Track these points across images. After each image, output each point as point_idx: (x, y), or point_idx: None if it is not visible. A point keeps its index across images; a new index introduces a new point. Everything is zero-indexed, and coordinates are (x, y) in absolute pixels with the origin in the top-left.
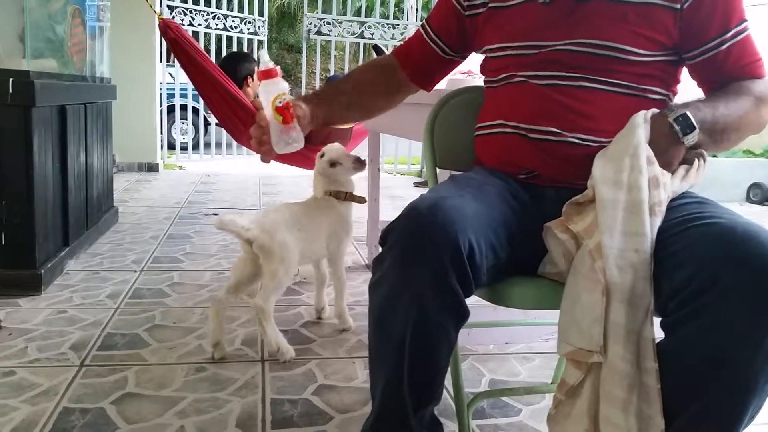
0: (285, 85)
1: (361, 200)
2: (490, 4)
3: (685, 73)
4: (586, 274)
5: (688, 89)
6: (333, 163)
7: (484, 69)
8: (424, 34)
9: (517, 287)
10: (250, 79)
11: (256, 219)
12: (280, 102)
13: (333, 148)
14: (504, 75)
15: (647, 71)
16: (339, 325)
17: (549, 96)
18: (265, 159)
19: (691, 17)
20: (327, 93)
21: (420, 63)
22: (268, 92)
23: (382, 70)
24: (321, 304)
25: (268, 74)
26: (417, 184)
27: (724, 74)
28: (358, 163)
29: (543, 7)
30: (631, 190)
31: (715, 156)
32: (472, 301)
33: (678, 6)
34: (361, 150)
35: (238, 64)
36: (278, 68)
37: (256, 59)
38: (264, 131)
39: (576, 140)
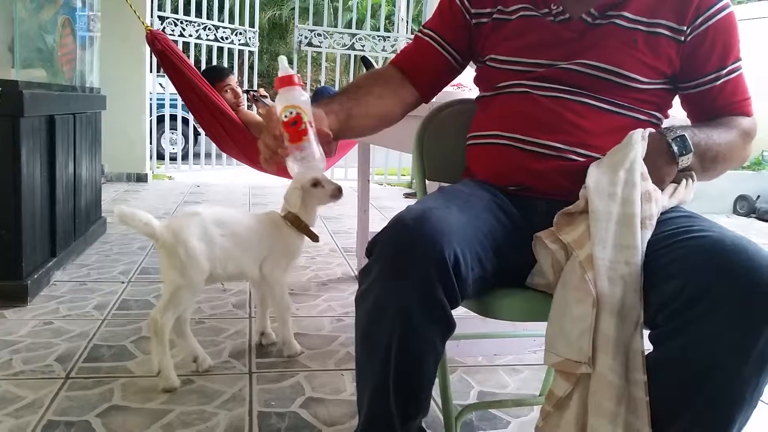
0: (302, 97)
1: (314, 238)
2: (495, 15)
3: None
4: (577, 285)
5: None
6: (316, 183)
7: (480, 79)
8: (434, 44)
9: (505, 299)
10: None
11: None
12: (286, 116)
13: (321, 173)
14: (504, 84)
15: (646, 97)
16: (285, 351)
17: (550, 108)
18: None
19: (693, 50)
20: (346, 101)
21: (431, 74)
22: (279, 103)
23: (389, 83)
24: (261, 327)
25: (284, 82)
26: (407, 196)
27: (716, 108)
28: (338, 192)
29: (554, 24)
30: (624, 203)
31: None
32: (461, 313)
33: (682, 38)
34: (350, 161)
35: (209, 77)
36: (298, 76)
37: (227, 73)
38: (272, 144)
39: (573, 155)
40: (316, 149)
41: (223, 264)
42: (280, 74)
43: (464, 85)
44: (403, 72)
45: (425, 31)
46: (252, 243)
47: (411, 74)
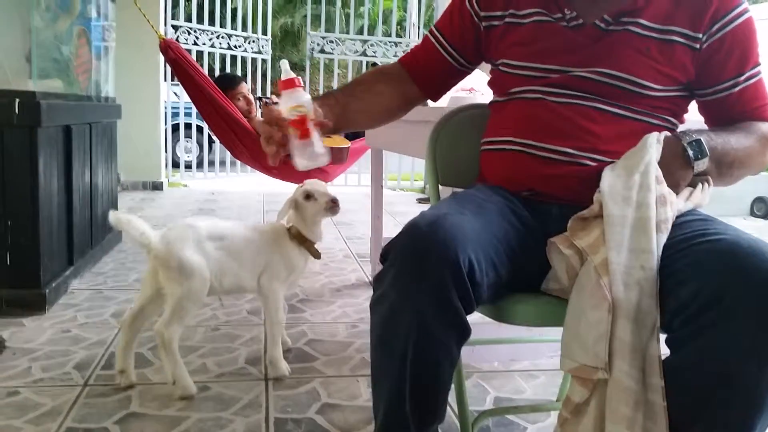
0: (305, 97)
1: (315, 254)
2: (507, 19)
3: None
4: (592, 290)
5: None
6: (308, 195)
7: (494, 84)
8: (438, 46)
9: (519, 304)
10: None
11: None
12: (294, 115)
13: (313, 183)
14: (517, 89)
15: (660, 103)
16: (270, 372)
17: (563, 114)
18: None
19: (709, 58)
20: (342, 96)
21: (433, 76)
22: (285, 104)
23: (393, 81)
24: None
25: (288, 84)
26: (420, 201)
27: (734, 115)
28: (333, 205)
29: (567, 30)
30: (639, 207)
31: None
32: (476, 318)
33: (697, 46)
34: (363, 166)
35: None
36: (299, 79)
37: (238, 81)
38: (276, 144)
39: (587, 161)
40: (319, 144)
41: (219, 278)
42: (282, 77)
43: (476, 90)
44: (407, 71)
45: (433, 31)
46: (249, 256)
47: (414, 74)
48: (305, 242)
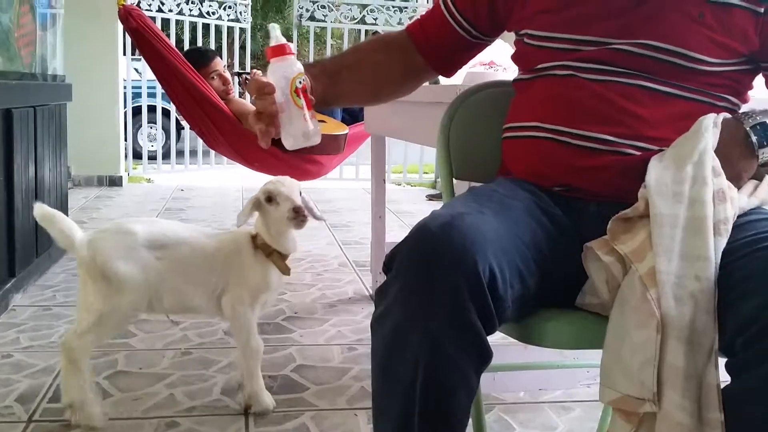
0: (297, 66)
1: (284, 270)
2: None
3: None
4: (636, 305)
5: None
6: (270, 198)
7: (518, 57)
8: (446, 13)
9: (550, 322)
10: None
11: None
12: (300, 83)
13: (280, 182)
14: (544, 65)
15: (718, 80)
16: (253, 407)
17: (601, 94)
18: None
19: None
20: (331, 65)
21: (441, 46)
22: (282, 73)
23: (396, 50)
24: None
25: (279, 51)
26: (430, 198)
27: None
28: (296, 215)
29: None
30: (693, 204)
31: None
32: (498, 339)
33: (761, 10)
34: (361, 157)
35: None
36: (290, 45)
37: (211, 56)
38: (271, 120)
39: (629, 149)
40: (315, 121)
41: (160, 295)
42: (271, 44)
43: (497, 64)
44: (413, 41)
45: None
46: (198, 271)
47: (421, 45)
48: (272, 254)
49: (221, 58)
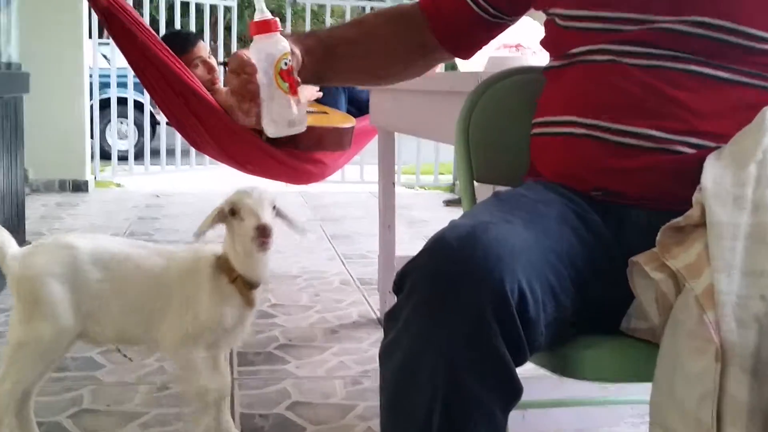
0: (287, 44)
1: (249, 301)
2: None
3: None
4: (692, 330)
5: None
6: (234, 211)
7: (548, 42)
8: None
9: (590, 351)
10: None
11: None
12: (286, 64)
13: (246, 192)
14: (578, 49)
15: None
16: None
17: (646, 82)
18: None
19: None
20: (327, 38)
21: (454, 24)
22: (266, 51)
23: (405, 25)
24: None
25: (264, 27)
26: (448, 203)
27: None
28: (259, 234)
29: None
30: (757, 210)
31: None
32: (529, 370)
33: None
34: (367, 155)
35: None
36: (276, 21)
37: (194, 40)
38: (253, 99)
39: (681, 147)
40: (303, 106)
41: (100, 322)
42: (256, 18)
43: (525, 47)
44: (427, 17)
45: None
46: (138, 295)
47: (432, 21)
48: (236, 280)
49: (205, 43)
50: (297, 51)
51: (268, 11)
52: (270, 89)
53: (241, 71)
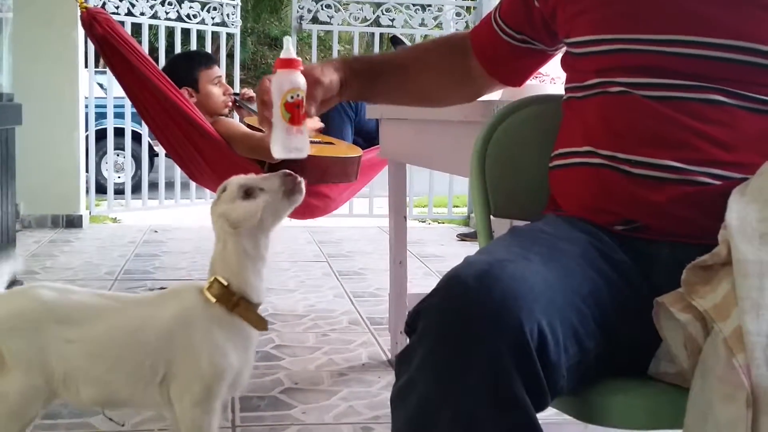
0: (303, 81)
1: (259, 324)
2: None
3: None
4: (721, 375)
5: None
6: (235, 225)
7: (566, 69)
8: (494, 24)
9: (617, 396)
10: (187, 92)
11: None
12: (292, 98)
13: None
14: (595, 81)
15: None
16: None
17: (664, 114)
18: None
19: None
20: (376, 59)
21: (490, 50)
22: (278, 84)
23: (453, 51)
24: None
25: (288, 64)
26: (463, 238)
27: None
28: (289, 178)
29: None
30: None
31: None
32: (550, 416)
33: None
34: (377, 187)
35: (177, 69)
36: (300, 61)
37: (205, 61)
38: (265, 119)
39: (707, 179)
40: (307, 134)
41: (75, 384)
42: (284, 55)
43: (545, 75)
44: (471, 44)
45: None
46: (125, 353)
47: (476, 49)
48: (237, 305)
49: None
50: (334, 77)
51: (293, 50)
52: (276, 118)
53: (260, 99)
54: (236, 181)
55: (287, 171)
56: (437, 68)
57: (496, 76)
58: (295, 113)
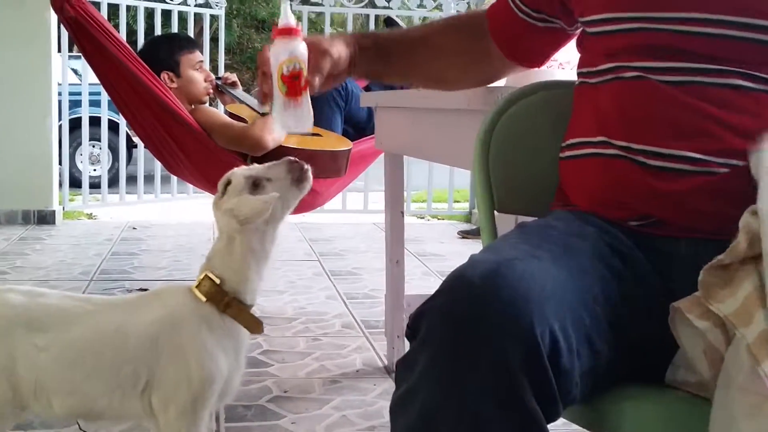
0: (302, 51)
1: (254, 326)
2: None
3: None
4: (744, 385)
5: None
6: (246, 220)
7: (580, 51)
8: (510, 2)
9: (631, 404)
10: (167, 76)
11: None
12: (288, 69)
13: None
14: (608, 66)
15: None
16: None
17: (683, 101)
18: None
19: None
20: (386, 37)
21: (507, 29)
22: (275, 54)
23: (468, 33)
24: None
25: (285, 33)
26: (465, 235)
27: None
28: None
29: None
30: None
31: None
32: (561, 426)
33: None
34: (372, 180)
35: (157, 51)
36: (299, 28)
37: (188, 44)
38: (265, 90)
39: (726, 169)
40: (308, 107)
41: (47, 395)
42: (281, 23)
43: (553, 59)
44: (488, 24)
45: None
46: (103, 360)
47: (492, 28)
48: (229, 305)
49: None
50: (343, 50)
51: (291, 18)
52: (275, 90)
53: (260, 69)
54: (241, 172)
55: (291, 158)
56: (454, 49)
57: (514, 57)
58: (292, 85)
